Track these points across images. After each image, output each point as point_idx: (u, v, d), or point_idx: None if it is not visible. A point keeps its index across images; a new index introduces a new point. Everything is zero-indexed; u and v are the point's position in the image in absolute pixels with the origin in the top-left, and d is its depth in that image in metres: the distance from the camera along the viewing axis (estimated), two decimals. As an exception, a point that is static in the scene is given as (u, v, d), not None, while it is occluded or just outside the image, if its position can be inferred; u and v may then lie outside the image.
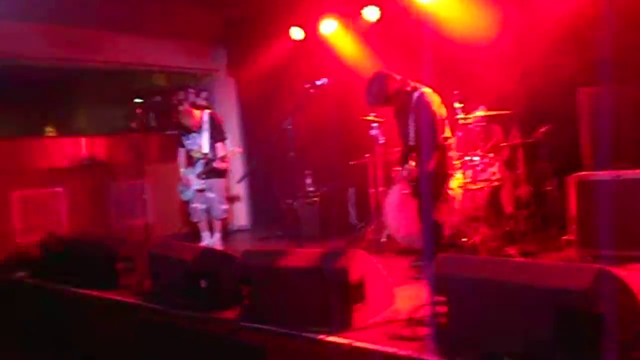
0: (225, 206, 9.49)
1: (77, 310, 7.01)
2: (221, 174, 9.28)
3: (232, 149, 9.40)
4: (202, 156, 9.18)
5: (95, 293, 6.89)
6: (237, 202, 12.50)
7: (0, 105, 12.33)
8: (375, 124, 8.55)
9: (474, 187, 7.58)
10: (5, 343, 7.80)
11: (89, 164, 11.03)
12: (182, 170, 9.37)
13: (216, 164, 9.07)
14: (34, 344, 7.52)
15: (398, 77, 6.67)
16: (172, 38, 11.64)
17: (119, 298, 6.62)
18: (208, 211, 9.37)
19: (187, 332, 5.59)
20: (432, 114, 6.48)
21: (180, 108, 9.63)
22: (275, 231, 10.43)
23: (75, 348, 6.96)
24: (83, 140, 11.35)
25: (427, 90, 6.58)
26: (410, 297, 5.48)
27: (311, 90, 6.87)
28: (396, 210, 7.57)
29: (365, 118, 8.54)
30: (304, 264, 5.13)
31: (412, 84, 6.66)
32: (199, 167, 9.21)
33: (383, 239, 8.30)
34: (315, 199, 10.18)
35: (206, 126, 9.18)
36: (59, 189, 10.45)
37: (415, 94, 6.58)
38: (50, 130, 13.22)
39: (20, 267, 8.60)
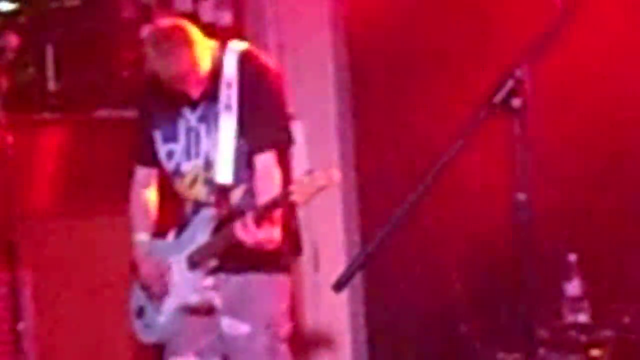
0: None
1: None
2: (272, 259, 3.12)
3: (317, 175, 2.81)
4: (207, 196, 3.21)
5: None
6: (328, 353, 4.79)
7: None
8: None
9: None
10: None
11: None
12: (139, 238, 3.34)
13: (251, 230, 2.88)
14: None
15: None
16: None
17: None
18: None
19: None
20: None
21: (146, 32, 3.60)
22: None
23: None
24: None
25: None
26: None
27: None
28: None
29: None
30: None
31: None
32: (200, 231, 3.15)
33: None
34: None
35: (229, 95, 3.14)
36: None
37: None
38: None
39: None
